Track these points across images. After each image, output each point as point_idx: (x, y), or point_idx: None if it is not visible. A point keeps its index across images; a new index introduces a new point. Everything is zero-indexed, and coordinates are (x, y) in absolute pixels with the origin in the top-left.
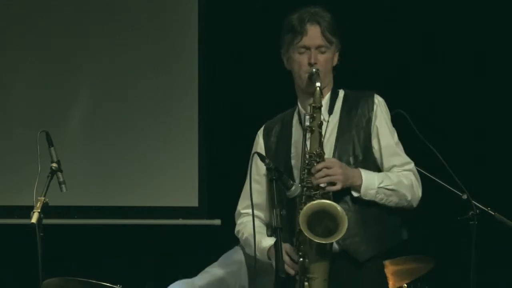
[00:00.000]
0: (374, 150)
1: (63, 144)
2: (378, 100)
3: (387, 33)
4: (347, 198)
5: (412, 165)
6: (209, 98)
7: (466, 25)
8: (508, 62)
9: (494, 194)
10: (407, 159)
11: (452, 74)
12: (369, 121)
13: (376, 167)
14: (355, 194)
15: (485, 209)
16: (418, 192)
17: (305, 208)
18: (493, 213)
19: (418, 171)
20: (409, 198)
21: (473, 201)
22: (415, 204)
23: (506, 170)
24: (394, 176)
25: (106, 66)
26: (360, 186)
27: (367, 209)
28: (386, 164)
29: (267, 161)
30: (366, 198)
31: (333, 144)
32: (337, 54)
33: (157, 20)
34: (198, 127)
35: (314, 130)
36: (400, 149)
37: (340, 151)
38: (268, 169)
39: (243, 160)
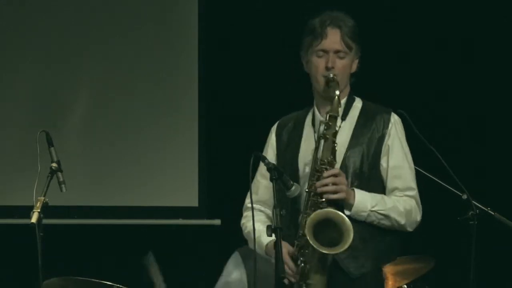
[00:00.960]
0: (381, 168)
1: (63, 144)
2: (395, 119)
3: (387, 33)
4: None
5: (415, 192)
6: (209, 98)
7: (466, 25)
8: (509, 62)
9: (494, 194)
10: (411, 184)
11: (452, 74)
12: (381, 138)
13: (381, 185)
14: (346, 212)
15: (485, 209)
16: (416, 218)
17: (312, 215)
18: (493, 213)
19: (418, 171)
20: (402, 223)
21: (473, 201)
22: (410, 228)
23: (506, 170)
24: (390, 201)
25: (106, 66)
26: (351, 206)
27: (367, 225)
28: (389, 185)
29: (266, 161)
30: (357, 219)
31: (343, 154)
32: (356, 61)
33: (157, 20)
34: (198, 127)
35: (328, 138)
36: (407, 172)
37: (348, 163)
38: (268, 169)
39: (243, 160)
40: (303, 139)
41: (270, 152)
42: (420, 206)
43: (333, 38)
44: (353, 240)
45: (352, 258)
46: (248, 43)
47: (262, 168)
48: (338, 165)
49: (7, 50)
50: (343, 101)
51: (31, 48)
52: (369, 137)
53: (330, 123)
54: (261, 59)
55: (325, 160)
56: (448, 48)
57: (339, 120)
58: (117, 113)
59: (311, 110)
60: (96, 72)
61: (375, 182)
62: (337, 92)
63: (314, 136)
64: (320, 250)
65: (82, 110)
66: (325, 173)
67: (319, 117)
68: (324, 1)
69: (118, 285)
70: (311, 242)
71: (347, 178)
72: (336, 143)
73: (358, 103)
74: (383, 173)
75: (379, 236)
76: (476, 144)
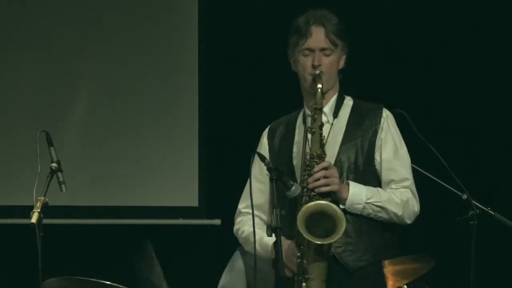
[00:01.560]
0: (376, 162)
1: (63, 144)
2: (386, 114)
3: (387, 32)
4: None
5: (410, 182)
6: (209, 98)
7: (466, 25)
8: (510, 62)
9: (494, 194)
10: (405, 175)
11: (452, 73)
12: (375, 133)
13: (377, 179)
14: (341, 206)
15: (485, 209)
16: (414, 209)
17: (303, 208)
18: (493, 213)
19: (418, 171)
20: (399, 214)
21: (473, 201)
22: (409, 220)
23: (506, 170)
24: (385, 193)
25: (106, 66)
26: (345, 200)
27: (365, 219)
28: (384, 178)
29: (266, 161)
30: (353, 212)
31: (337, 150)
32: (344, 57)
33: (157, 20)
34: (198, 127)
35: (315, 131)
36: (401, 164)
37: (342, 158)
38: (268, 169)
39: (243, 160)
40: (295, 138)
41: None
42: (417, 196)
43: (317, 36)
44: (350, 234)
45: (349, 251)
46: (248, 43)
47: (256, 171)
48: (332, 161)
49: (7, 50)
50: (333, 98)
51: (31, 48)
52: (362, 132)
53: (316, 116)
54: (261, 59)
55: (314, 154)
56: (448, 47)
57: (330, 116)
58: (117, 113)
59: (302, 110)
60: (96, 72)
61: (370, 176)
62: (319, 85)
63: (305, 133)
64: (313, 241)
65: (82, 110)
66: (316, 167)
67: (309, 114)
68: (325, 2)
69: (118, 285)
70: (303, 234)
71: (342, 173)
72: (324, 136)
73: (349, 101)
74: (378, 167)
75: (377, 231)
76: (476, 144)
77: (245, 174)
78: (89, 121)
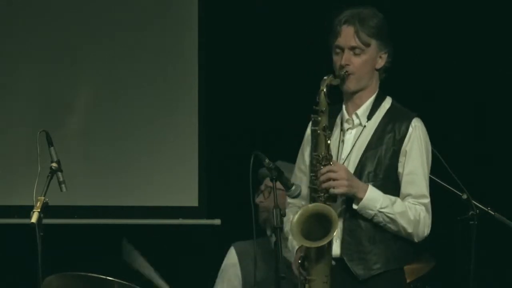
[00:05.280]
0: (398, 172)
1: (63, 144)
2: (416, 124)
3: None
4: (361, 215)
5: (427, 200)
6: (209, 98)
7: (466, 23)
8: (509, 61)
9: (494, 194)
10: (424, 192)
11: (452, 73)
12: (400, 141)
13: (397, 188)
14: (354, 206)
15: (485, 209)
16: (424, 229)
17: (300, 211)
18: (493, 213)
19: None
20: (409, 231)
21: (473, 201)
22: (416, 239)
23: (506, 170)
24: (401, 206)
25: (106, 66)
26: (360, 199)
27: (378, 226)
28: (403, 190)
29: (267, 160)
30: (364, 215)
31: (360, 154)
32: (384, 56)
33: (157, 20)
34: (198, 127)
35: (319, 133)
36: (422, 179)
37: (363, 163)
38: (268, 169)
39: (243, 160)
40: (334, 136)
41: (307, 147)
42: (430, 218)
43: (346, 35)
44: (363, 241)
45: (360, 260)
46: (249, 43)
47: (300, 163)
48: (355, 164)
49: (7, 50)
50: (370, 99)
51: (31, 48)
52: (388, 139)
53: (319, 118)
54: (262, 59)
55: (320, 156)
56: (449, 47)
57: (364, 118)
58: (117, 113)
59: (341, 110)
60: (96, 72)
61: (389, 186)
62: (323, 88)
63: (340, 134)
64: (305, 244)
65: (82, 110)
66: (323, 169)
67: (345, 114)
68: (325, 4)
69: (118, 281)
70: (294, 237)
71: (361, 179)
72: (329, 138)
73: (386, 104)
74: (399, 178)
75: (391, 239)
76: (477, 144)
77: (246, 174)
78: (89, 121)
